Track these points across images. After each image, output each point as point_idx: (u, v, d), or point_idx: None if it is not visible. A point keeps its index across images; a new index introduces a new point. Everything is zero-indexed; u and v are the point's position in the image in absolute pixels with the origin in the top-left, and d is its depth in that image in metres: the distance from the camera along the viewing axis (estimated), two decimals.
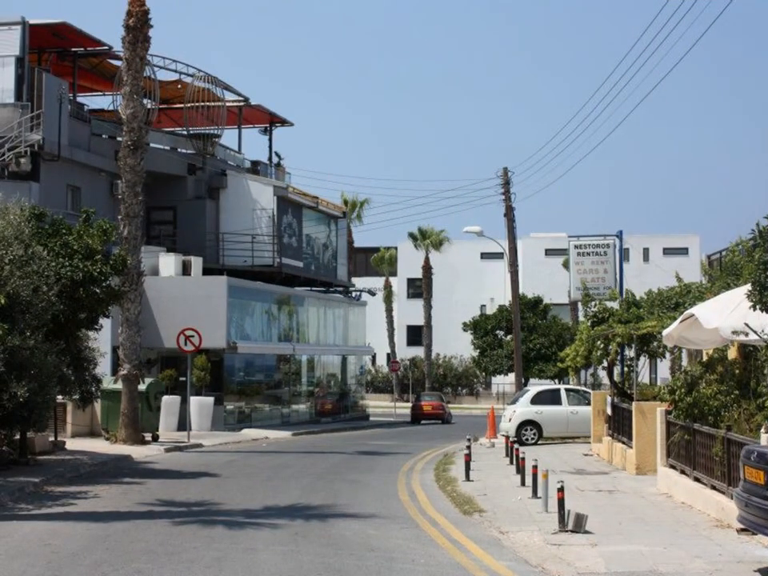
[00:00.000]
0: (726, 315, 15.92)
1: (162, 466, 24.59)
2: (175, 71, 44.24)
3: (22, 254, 20.75)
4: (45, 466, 22.66)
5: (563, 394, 32.65)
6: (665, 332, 19.44)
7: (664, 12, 71.71)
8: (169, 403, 35.03)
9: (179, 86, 45.67)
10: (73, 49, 40.77)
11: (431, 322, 69.72)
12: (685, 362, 27.50)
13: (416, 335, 76.75)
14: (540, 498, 16.96)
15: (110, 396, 30.56)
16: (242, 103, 48.65)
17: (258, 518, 15.95)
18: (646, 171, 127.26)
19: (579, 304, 38.08)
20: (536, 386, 36.68)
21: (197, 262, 40.18)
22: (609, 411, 26.51)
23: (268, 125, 53.08)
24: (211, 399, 37.43)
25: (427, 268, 69.68)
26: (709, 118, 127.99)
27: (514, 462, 22.54)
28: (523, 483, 19.75)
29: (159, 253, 39.84)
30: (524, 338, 49.41)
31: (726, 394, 17.19)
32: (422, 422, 50.22)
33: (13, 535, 14.23)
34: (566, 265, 43.87)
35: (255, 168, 49.77)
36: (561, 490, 14.87)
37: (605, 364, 28.48)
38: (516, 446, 23.83)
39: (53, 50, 40.50)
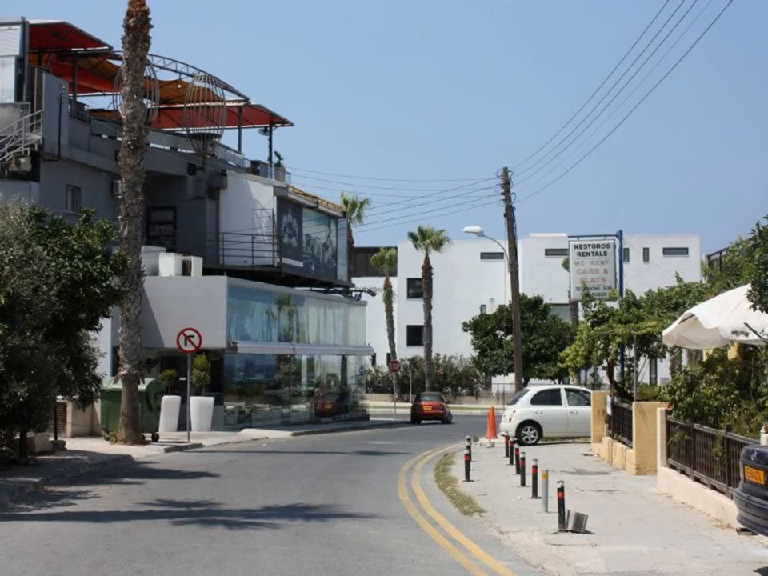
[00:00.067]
0: (725, 315, 15.93)
1: (162, 466, 24.58)
2: (175, 71, 44.25)
3: (21, 254, 20.75)
4: (45, 465, 22.66)
5: (563, 394, 32.64)
6: (665, 332, 19.43)
7: (664, 12, 71.66)
8: (169, 403, 35.03)
9: (179, 86, 45.66)
10: (73, 49, 40.75)
11: (431, 321, 69.70)
12: (685, 362, 27.47)
13: (416, 335, 76.72)
14: (540, 497, 16.97)
15: (110, 396, 30.55)
16: (241, 103, 48.65)
17: (257, 518, 15.95)
18: (646, 171, 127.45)
19: (579, 304, 38.05)
20: (536, 386, 36.65)
21: (197, 262, 40.19)
22: (609, 411, 26.51)
23: (268, 125, 53.10)
24: (211, 399, 37.45)
25: (427, 268, 69.67)
26: (709, 118, 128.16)
27: (514, 461, 22.55)
28: (523, 483, 19.75)
29: (159, 253, 39.85)
30: (524, 338, 49.39)
31: (726, 393, 17.17)
32: (422, 422, 50.23)
33: (13, 535, 14.23)
34: (565, 265, 43.85)
35: (255, 168, 49.79)
36: (561, 489, 14.87)
37: (605, 364, 28.46)
38: (516, 446, 23.84)
39: (53, 50, 40.50)
